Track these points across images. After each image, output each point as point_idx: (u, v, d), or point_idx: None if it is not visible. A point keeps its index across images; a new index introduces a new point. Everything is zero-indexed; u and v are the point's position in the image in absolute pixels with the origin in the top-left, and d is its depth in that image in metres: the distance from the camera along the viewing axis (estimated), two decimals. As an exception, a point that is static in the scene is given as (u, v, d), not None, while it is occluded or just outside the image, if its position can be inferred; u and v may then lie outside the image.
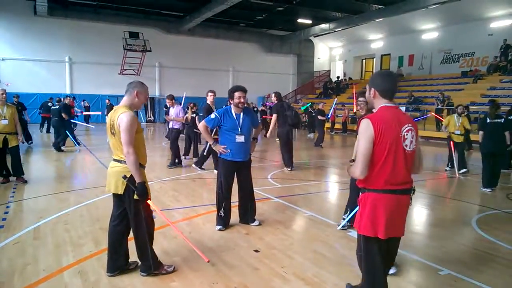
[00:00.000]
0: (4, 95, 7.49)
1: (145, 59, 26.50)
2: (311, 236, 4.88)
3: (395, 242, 2.84)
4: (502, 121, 7.65)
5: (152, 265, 3.64)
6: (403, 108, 19.89)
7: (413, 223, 5.77)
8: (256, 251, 4.34)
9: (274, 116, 9.51)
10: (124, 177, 3.43)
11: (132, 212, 3.54)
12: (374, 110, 2.78)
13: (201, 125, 5.08)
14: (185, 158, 10.80)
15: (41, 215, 5.55)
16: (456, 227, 5.41)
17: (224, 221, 5.05)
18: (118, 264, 3.68)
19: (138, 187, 3.41)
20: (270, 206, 6.28)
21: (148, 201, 3.54)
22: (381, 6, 22.83)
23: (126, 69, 26.66)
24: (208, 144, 8.25)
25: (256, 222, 5.23)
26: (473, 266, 4.04)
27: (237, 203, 5.29)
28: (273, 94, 9.76)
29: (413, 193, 2.75)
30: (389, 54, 28.76)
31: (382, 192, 2.61)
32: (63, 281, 3.56)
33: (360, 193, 2.74)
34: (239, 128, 4.95)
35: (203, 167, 9.36)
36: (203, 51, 28.94)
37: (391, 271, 3.67)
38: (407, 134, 2.62)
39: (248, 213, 5.24)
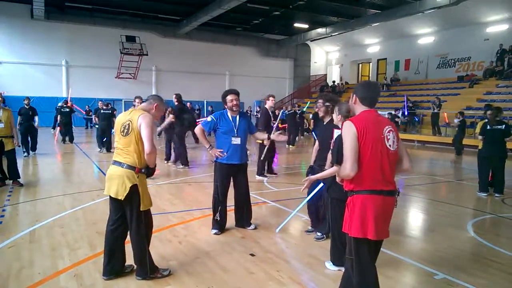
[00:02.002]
0: (0, 99, 7.49)
1: (142, 62, 26.53)
2: (307, 240, 4.88)
3: (381, 243, 2.89)
4: (503, 128, 7.45)
5: (148, 270, 3.63)
6: (399, 113, 20.00)
7: (408, 227, 5.80)
8: (252, 255, 4.34)
9: (172, 117, 9.59)
10: (141, 171, 3.57)
11: (133, 216, 3.55)
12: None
13: (197, 129, 5.08)
14: (166, 163, 10.71)
15: (37, 218, 5.53)
16: (451, 231, 5.43)
17: (220, 225, 5.05)
18: (114, 268, 3.67)
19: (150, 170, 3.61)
20: (266, 210, 6.29)
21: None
22: (377, 11, 22.96)
23: (122, 73, 26.70)
24: (266, 149, 8.30)
25: (252, 226, 5.23)
26: (469, 270, 4.06)
27: (233, 207, 5.29)
28: (174, 96, 9.90)
29: (398, 195, 2.81)
30: (386, 59, 28.90)
31: (370, 193, 2.67)
32: (59, 285, 3.55)
33: (348, 196, 2.80)
34: (235, 131, 4.95)
35: (266, 174, 9.11)
36: (200, 55, 28.98)
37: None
38: (389, 135, 2.72)
39: (244, 217, 5.23)
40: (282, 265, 4.09)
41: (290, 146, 16.00)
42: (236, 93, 4.99)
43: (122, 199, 3.49)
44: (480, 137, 7.75)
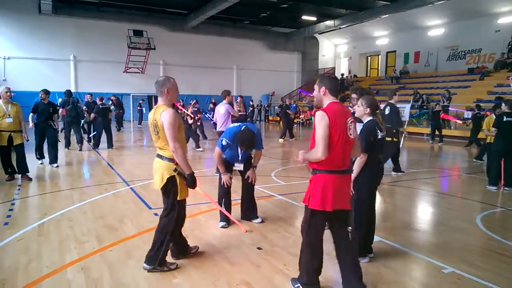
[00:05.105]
0: (9, 93, 7.54)
1: (149, 57, 26.56)
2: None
3: (342, 213, 3.30)
4: None
5: (158, 259, 3.68)
6: (408, 106, 19.80)
7: (417, 221, 5.75)
8: (259, 248, 4.34)
9: (62, 110, 11.89)
10: (175, 169, 3.60)
11: (168, 206, 3.71)
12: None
13: (216, 154, 4.95)
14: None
15: (45, 212, 5.59)
16: (460, 225, 5.37)
17: (226, 217, 5.04)
18: (179, 250, 3.99)
19: (188, 178, 3.62)
20: (273, 203, 6.27)
21: (198, 189, 3.77)
22: (387, 3, 22.69)
23: (130, 67, 26.76)
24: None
25: (259, 219, 5.22)
26: (478, 264, 4.01)
27: (239, 201, 5.32)
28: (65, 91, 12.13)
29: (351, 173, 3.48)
30: (395, 51, 28.62)
31: (332, 173, 3.12)
32: (66, 278, 3.58)
33: (311, 174, 3.21)
34: (239, 158, 5.04)
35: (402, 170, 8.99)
36: (207, 49, 28.94)
37: (365, 260, 3.92)
38: (350, 125, 3.15)
39: (250, 210, 5.26)
40: (289, 258, 4.08)
41: (290, 139, 16.08)
42: (247, 146, 4.82)
43: (160, 189, 3.66)
44: (492, 129, 7.61)
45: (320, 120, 3.02)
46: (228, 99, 8.65)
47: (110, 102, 18.99)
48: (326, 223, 3.38)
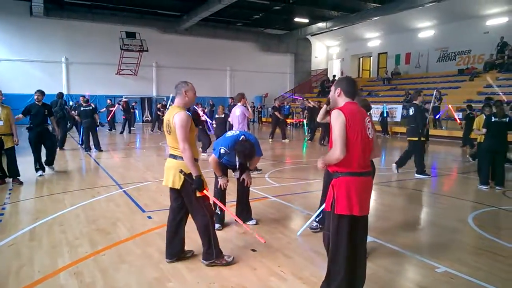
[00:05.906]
0: (0, 96, 7.46)
1: (142, 59, 26.44)
2: (308, 235, 4.86)
3: (365, 220, 3.17)
4: (507, 121, 7.44)
5: (213, 252, 3.84)
6: (400, 106, 19.95)
7: (409, 220, 5.77)
8: (253, 250, 4.33)
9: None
10: (181, 171, 3.71)
11: (191, 203, 3.82)
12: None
13: (212, 160, 4.91)
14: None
15: (37, 216, 5.53)
16: (453, 224, 5.41)
17: (220, 219, 5.03)
18: (174, 251, 3.99)
19: (195, 180, 3.67)
20: (267, 205, 6.27)
21: (205, 192, 3.76)
22: (378, 5, 22.84)
23: (123, 69, 26.62)
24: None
25: (253, 221, 5.22)
26: (470, 263, 4.04)
27: (234, 203, 5.32)
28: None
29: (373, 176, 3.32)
30: (386, 53, 28.78)
31: (354, 175, 3.00)
32: (59, 283, 3.54)
33: (333, 178, 3.06)
34: (236, 164, 5.07)
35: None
36: (200, 51, 28.86)
37: None
38: (368, 124, 3.08)
39: (244, 212, 5.25)
40: (284, 260, 4.08)
41: (282, 140, 16.18)
42: (247, 159, 4.87)
43: (179, 188, 3.77)
44: (483, 130, 7.71)
45: (336, 119, 2.94)
46: (243, 102, 9.02)
47: (121, 105, 19.24)
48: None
